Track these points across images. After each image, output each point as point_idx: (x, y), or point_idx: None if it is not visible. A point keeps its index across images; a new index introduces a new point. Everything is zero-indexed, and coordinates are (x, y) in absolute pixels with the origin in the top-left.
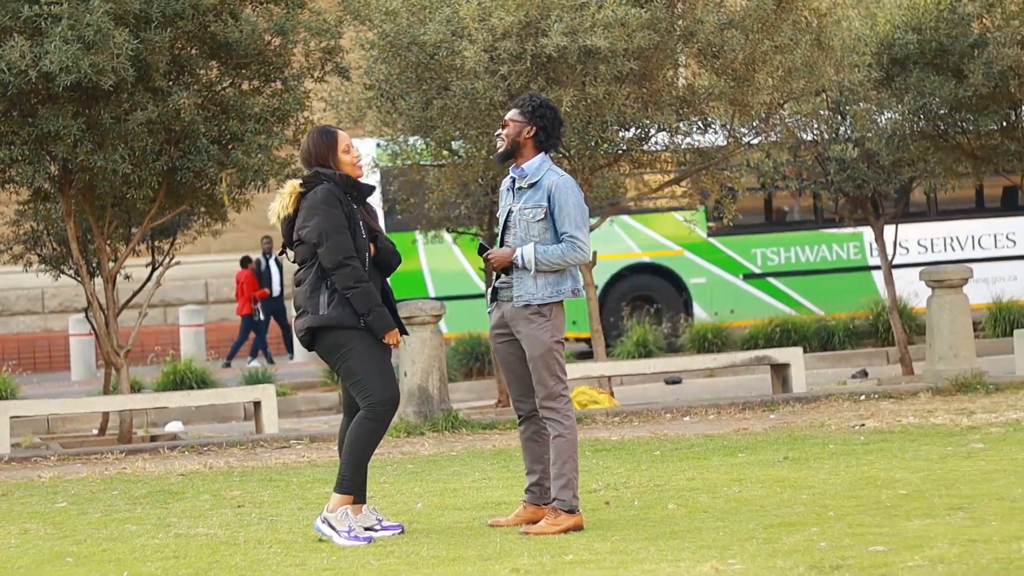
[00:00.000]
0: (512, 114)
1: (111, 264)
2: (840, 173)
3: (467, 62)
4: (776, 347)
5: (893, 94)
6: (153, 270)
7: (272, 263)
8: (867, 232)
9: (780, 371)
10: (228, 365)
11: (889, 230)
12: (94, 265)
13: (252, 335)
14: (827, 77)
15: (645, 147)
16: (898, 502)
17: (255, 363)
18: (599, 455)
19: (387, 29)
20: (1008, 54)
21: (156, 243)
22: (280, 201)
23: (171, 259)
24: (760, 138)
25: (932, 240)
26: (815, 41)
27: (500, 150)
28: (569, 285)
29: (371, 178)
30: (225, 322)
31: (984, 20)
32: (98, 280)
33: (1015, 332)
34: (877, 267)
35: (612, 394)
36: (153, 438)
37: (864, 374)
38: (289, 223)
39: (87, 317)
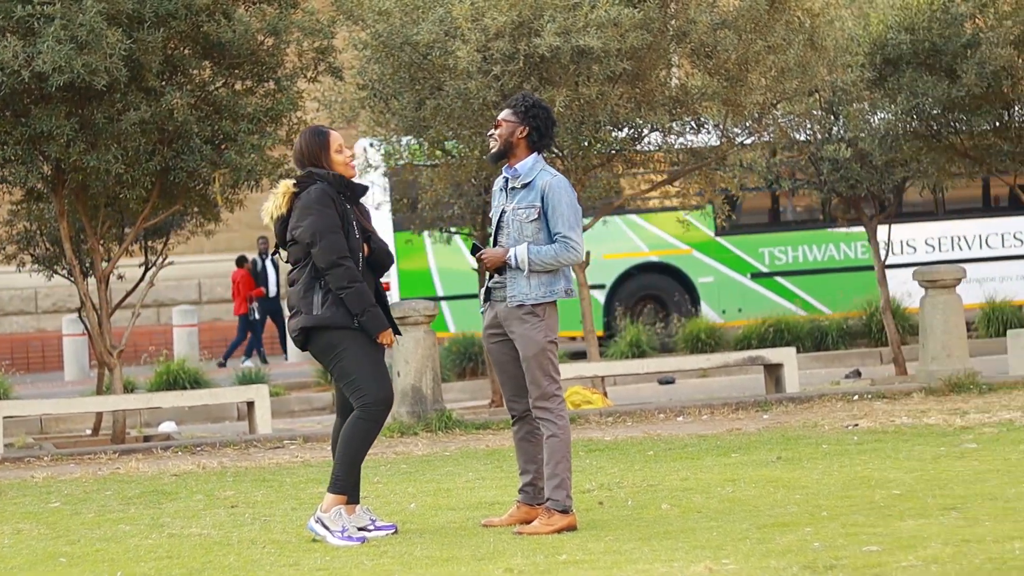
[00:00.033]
0: (505, 114)
1: (104, 264)
2: (833, 173)
3: (460, 62)
4: (769, 347)
5: (886, 94)
6: (146, 270)
7: (268, 263)
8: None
9: (773, 371)
10: (223, 364)
11: (898, 229)
12: (87, 265)
13: (249, 334)
14: (820, 77)
15: (638, 147)
16: (892, 502)
17: (248, 363)
18: (593, 455)
19: (380, 29)
20: (1001, 54)
21: (149, 243)
22: (273, 201)
23: (164, 259)
24: (753, 138)
25: (939, 240)
26: (808, 41)
27: (493, 150)
28: (562, 285)
29: (372, 177)
30: (218, 322)
31: (977, 20)
32: (91, 280)
33: (1008, 332)
34: (886, 266)
35: (605, 394)
36: (146, 438)
37: (857, 374)
38: (282, 223)
39: (80, 317)
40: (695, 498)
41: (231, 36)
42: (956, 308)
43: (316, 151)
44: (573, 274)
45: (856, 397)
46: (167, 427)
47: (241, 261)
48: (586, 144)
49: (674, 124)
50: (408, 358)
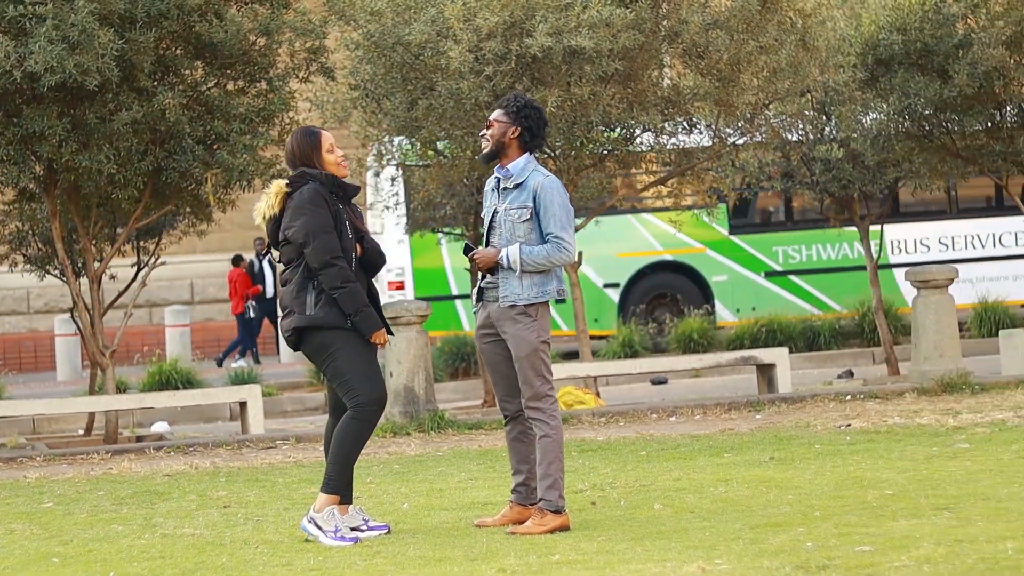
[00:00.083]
0: (497, 114)
1: (96, 264)
2: (825, 173)
3: (452, 62)
4: (762, 347)
5: (878, 94)
6: (139, 270)
7: (265, 264)
8: (888, 230)
9: (766, 371)
10: (220, 364)
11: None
12: (79, 265)
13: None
14: (812, 77)
15: (630, 147)
16: (884, 502)
17: (241, 362)
18: (585, 455)
19: (372, 29)
20: (993, 54)
21: (141, 243)
22: (266, 201)
23: (156, 259)
24: (745, 138)
25: (953, 238)
26: (800, 42)
27: (485, 151)
28: (555, 285)
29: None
30: (211, 322)
31: (969, 21)
32: (83, 280)
33: (1000, 332)
34: (898, 265)
35: (598, 394)
36: (139, 438)
37: (850, 374)
38: (275, 223)
39: (72, 317)
40: (688, 498)
41: (223, 36)
42: (948, 308)
43: (308, 151)
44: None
45: (849, 397)
46: (160, 427)
47: (237, 260)
48: (578, 144)
49: (666, 124)
50: (401, 358)
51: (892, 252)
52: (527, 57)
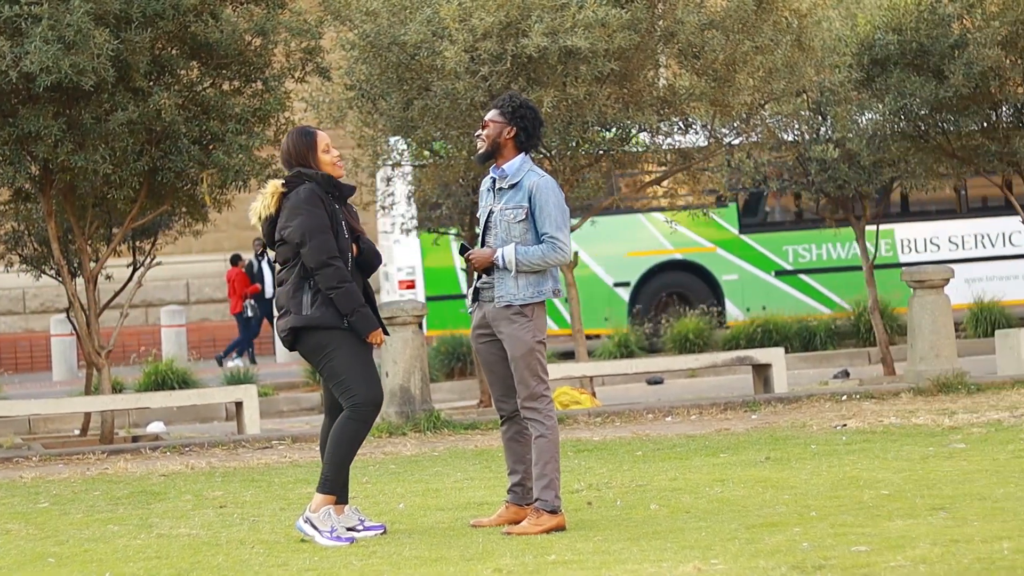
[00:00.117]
0: (492, 115)
1: (92, 264)
2: (821, 174)
3: (448, 62)
4: (758, 347)
5: (874, 95)
6: (134, 270)
7: (264, 264)
8: (899, 229)
9: (762, 371)
10: (221, 363)
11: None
12: (75, 265)
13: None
14: (808, 78)
15: (626, 148)
16: (880, 502)
17: (238, 362)
18: (581, 455)
19: (368, 29)
20: (988, 55)
21: (137, 243)
22: (262, 201)
23: (152, 259)
24: (741, 139)
25: (963, 237)
26: (796, 42)
27: (481, 151)
28: (550, 285)
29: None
30: (206, 322)
31: (964, 21)
32: (79, 280)
33: (996, 332)
34: (908, 264)
35: (594, 394)
36: (135, 438)
37: (846, 374)
38: (271, 223)
39: (68, 317)
40: (684, 498)
41: (219, 36)
42: (944, 308)
43: (304, 151)
44: (561, 274)
45: (844, 397)
46: (155, 427)
47: (235, 260)
48: (574, 144)
49: (662, 124)
50: (396, 358)
51: (902, 251)
52: (523, 57)
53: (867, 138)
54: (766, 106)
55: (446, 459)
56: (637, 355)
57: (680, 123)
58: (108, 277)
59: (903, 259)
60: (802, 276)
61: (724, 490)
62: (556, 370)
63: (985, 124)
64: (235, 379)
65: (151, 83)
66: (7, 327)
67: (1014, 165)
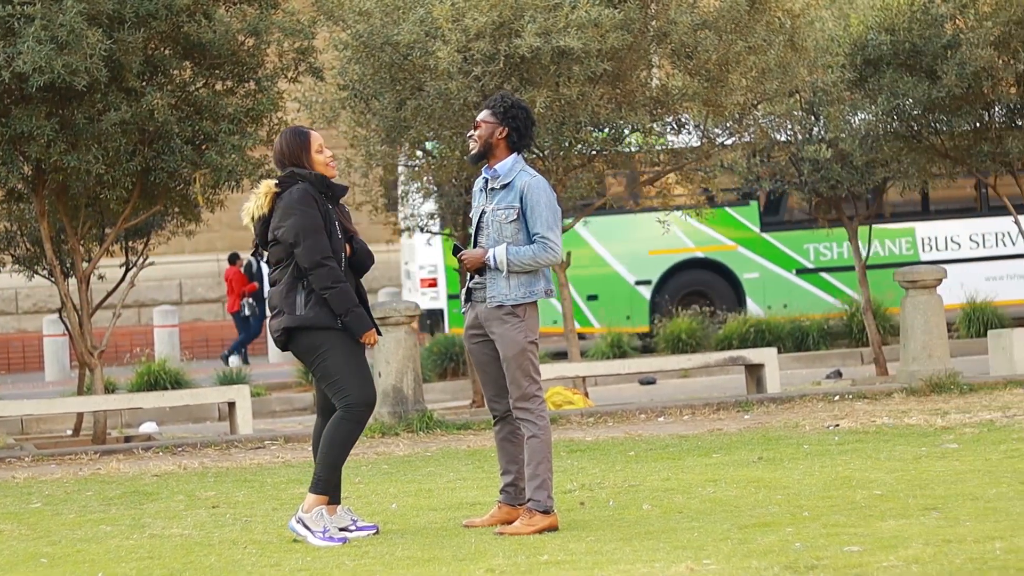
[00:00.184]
0: (484, 115)
1: (85, 264)
2: (814, 174)
3: (440, 63)
4: (750, 348)
5: (866, 95)
6: (127, 270)
7: (264, 264)
8: (919, 227)
9: (754, 372)
10: (230, 362)
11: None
12: (68, 265)
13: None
14: (800, 78)
15: (619, 148)
16: (873, 502)
17: (235, 360)
18: (574, 455)
19: (360, 29)
20: (981, 55)
21: (130, 243)
22: (255, 201)
23: (145, 259)
24: (734, 139)
25: (984, 235)
26: (788, 42)
27: (473, 151)
28: (542, 286)
29: None
30: (199, 322)
31: (957, 21)
32: (72, 281)
33: (988, 333)
34: (930, 262)
35: (587, 395)
36: (127, 439)
37: (838, 374)
38: (264, 223)
39: (61, 318)
40: (676, 498)
41: (211, 36)
42: (937, 309)
43: (297, 151)
44: (553, 274)
45: (837, 397)
46: (148, 427)
47: (233, 259)
48: (567, 145)
49: (655, 125)
50: (389, 358)
51: (923, 249)
52: (515, 57)
53: (860, 138)
54: (759, 106)
55: (439, 459)
56: (630, 355)
57: (673, 123)
58: (101, 277)
59: (924, 257)
60: (823, 274)
61: (717, 490)
62: (549, 370)
63: (978, 124)
64: (228, 379)
65: (144, 83)
66: (0, 327)
67: (1007, 165)
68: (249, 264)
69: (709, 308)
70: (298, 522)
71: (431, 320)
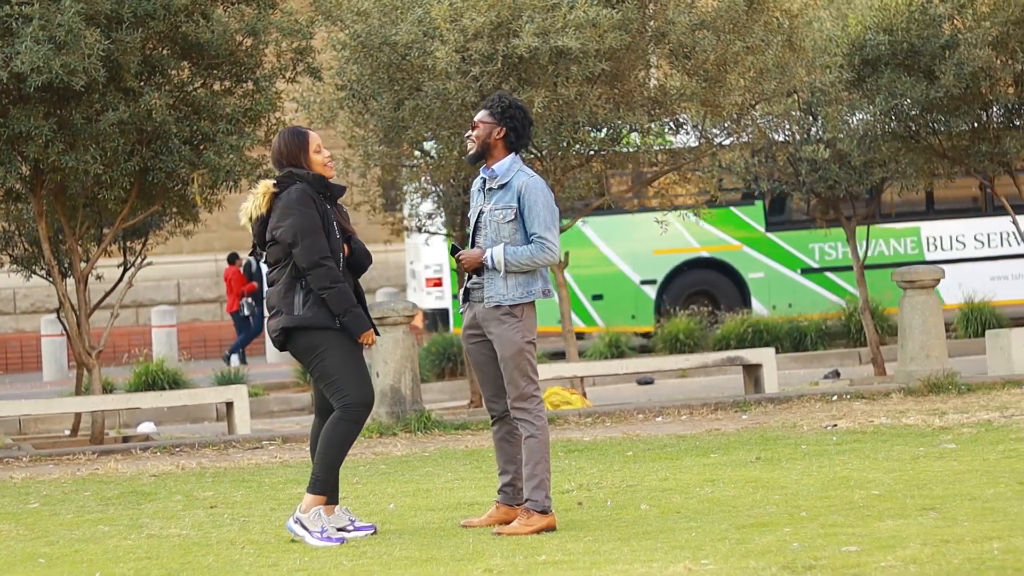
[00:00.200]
0: (481, 115)
1: (83, 264)
2: (812, 174)
3: (439, 63)
4: (748, 347)
5: (864, 95)
6: (125, 271)
7: (263, 264)
8: (924, 227)
9: (752, 372)
10: (231, 362)
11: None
12: (66, 265)
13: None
14: (799, 78)
15: (617, 148)
16: (870, 502)
17: (234, 358)
18: (572, 456)
19: (359, 29)
20: (979, 55)
21: (128, 243)
22: (253, 201)
23: (143, 260)
24: (732, 139)
25: (988, 235)
26: (787, 42)
27: (471, 152)
28: (540, 286)
29: None
30: (197, 323)
31: (955, 21)
32: (70, 281)
33: (986, 333)
34: (936, 262)
35: (584, 395)
36: (125, 439)
37: (836, 375)
38: (261, 223)
39: (59, 318)
40: (674, 498)
41: (209, 36)
42: (935, 309)
43: (295, 151)
44: (551, 274)
45: (835, 397)
46: (146, 428)
47: (233, 259)
48: (565, 145)
49: (652, 125)
50: (387, 358)
51: (928, 249)
52: (514, 58)
53: (858, 138)
54: (757, 106)
55: (436, 459)
56: (628, 355)
57: (671, 124)
58: (99, 277)
59: (929, 256)
60: (828, 274)
61: (714, 490)
62: (547, 370)
63: (976, 124)
64: (225, 379)
65: (142, 83)
66: None
67: (1005, 165)
68: (248, 264)
69: (708, 308)
70: (296, 522)
71: (436, 319)
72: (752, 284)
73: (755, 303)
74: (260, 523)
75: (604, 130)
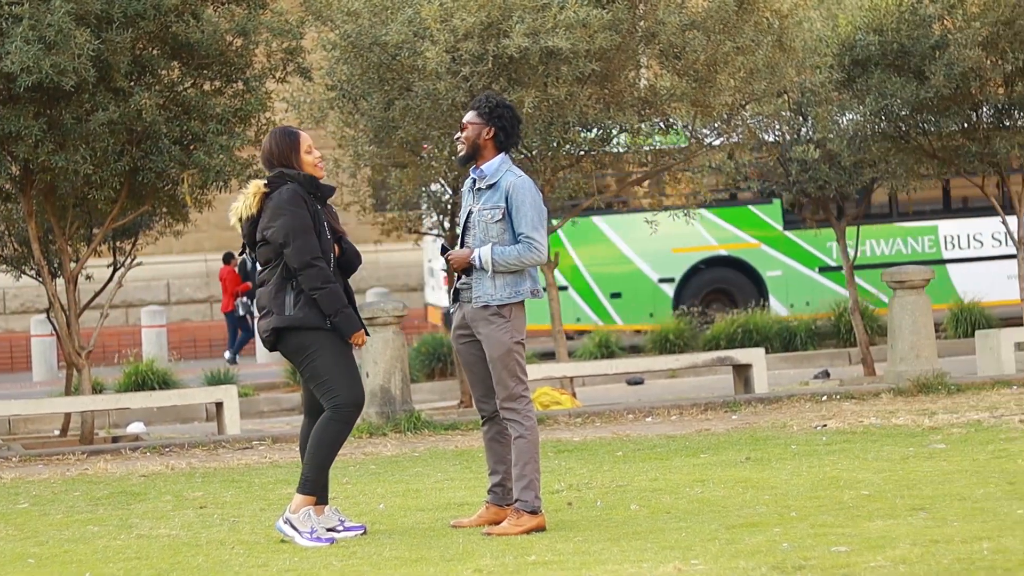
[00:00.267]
0: (470, 116)
1: (73, 265)
2: (802, 174)
3: (429, 63)
4: (738, 348)
5: (854, 95)
6: (115, 271)
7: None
8: (942, 225)
9: (742, 372)
10: (234, 361)
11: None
12: (55, 266)
13: (240, 331)
14: (789, 78)
15: (607, 148)
16: (860, 503)
17: (228, 357)
18: (561, 456)
19: (349, 30)
20: (969, 55)
21: (118, 244)
22: (244, 201)
23: (133, 260)
24: (722, 139)
25: (992, 234)
26: (777, 42)
27: (461, 153)
28: (528, 286)
29: None
30: (187, 323)
31: (945, 22)
32: (60, 281)
33: (976, 333)
34: (952, 260)
35: (574, 395)
36: (115, 439)
37: (826, 375)
38: (251, 223)
39: (48, 318)
40: (664, 499)
41: (200, 36)
42: (925, 309)
43: (286, 151)
44: (540, 274)
45: (825, 398)
46: (136, 428)
47: (227, 258)
48: (555, 145)
49: (643, 125)
50: (377, 359)
51: (945, 248)
52: (504, 58)
53: (848, 139)
54: (747, 107)
55: (426, 459)
56: (618, 355)
57: (661, 124)
58: (88, 277)
59: (946, 255)
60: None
61: (704, 490)
62: (536, 370)
63: (966, 125)
64: (215, 380)
65: (132, 83)
66: None
67: (994, 166)
68: (243, 263)
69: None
70: (285, 523)
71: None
72: (770, 282)
73: (773, 301)
74: (250, 523)
75: (594, 130)
